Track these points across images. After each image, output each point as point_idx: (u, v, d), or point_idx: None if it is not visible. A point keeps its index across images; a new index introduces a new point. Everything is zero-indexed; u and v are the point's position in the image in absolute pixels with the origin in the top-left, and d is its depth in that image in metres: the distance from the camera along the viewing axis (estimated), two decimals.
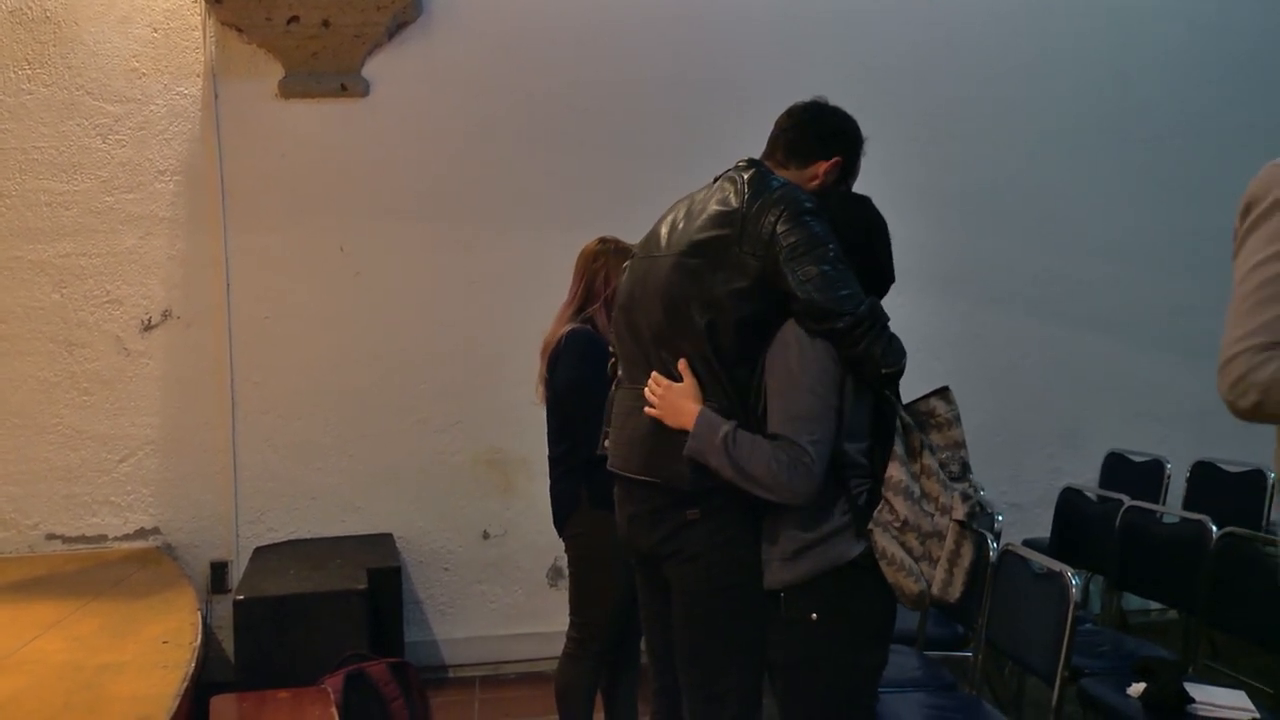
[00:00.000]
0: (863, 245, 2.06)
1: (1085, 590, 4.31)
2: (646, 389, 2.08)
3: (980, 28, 4.81)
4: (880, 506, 1.98)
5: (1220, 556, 3.16)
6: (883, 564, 1.96)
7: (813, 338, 1.95)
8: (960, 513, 1.99)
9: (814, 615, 1.98)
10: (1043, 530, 4.25)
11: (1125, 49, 4.93)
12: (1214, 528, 3.21)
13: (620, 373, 2.29)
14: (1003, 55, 4.84)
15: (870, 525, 1.97)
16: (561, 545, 3.10)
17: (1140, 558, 3.51)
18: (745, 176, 2.09)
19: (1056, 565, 2.74)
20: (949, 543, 1.98)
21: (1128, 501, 3.62)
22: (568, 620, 3.12)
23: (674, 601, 2.12)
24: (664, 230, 2.20)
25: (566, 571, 3.17)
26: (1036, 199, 4.88)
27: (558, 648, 3.16)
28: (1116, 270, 4.94)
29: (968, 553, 1.98)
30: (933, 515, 1.99)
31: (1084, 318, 4.92)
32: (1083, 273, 4.92)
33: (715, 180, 2.18)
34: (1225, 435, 4.84)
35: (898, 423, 2.02)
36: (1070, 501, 4.01)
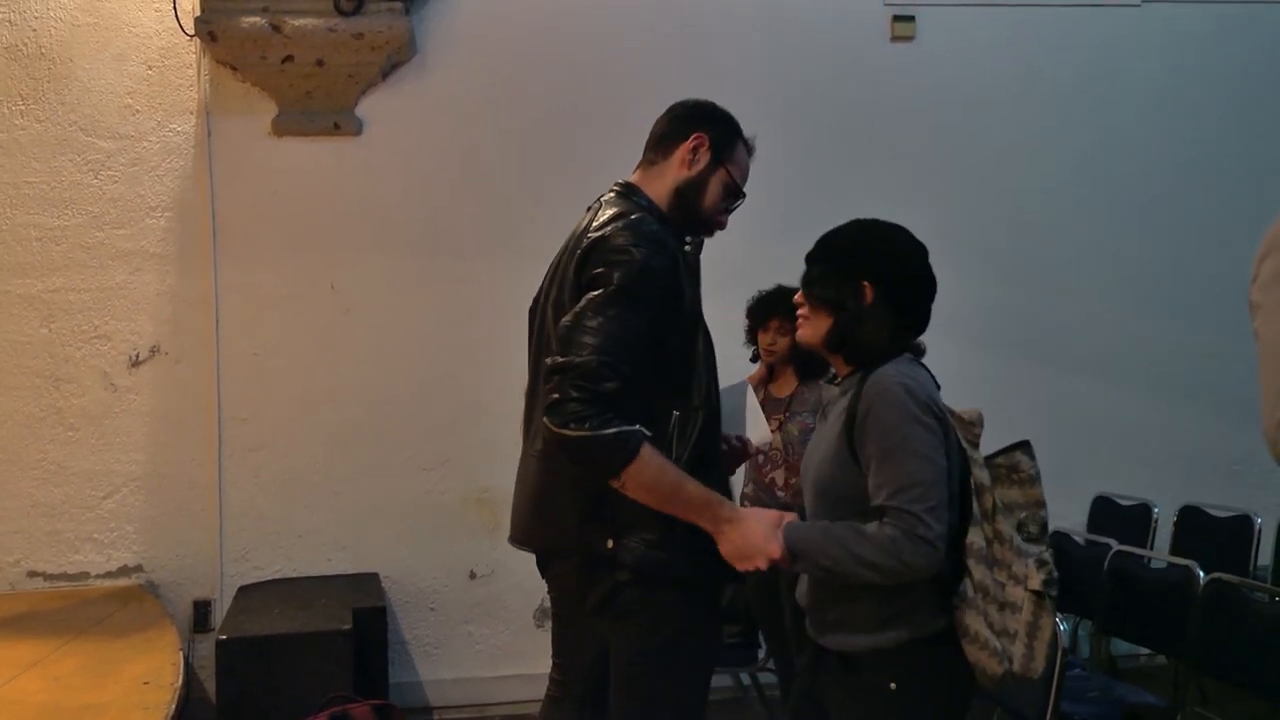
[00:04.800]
0: (924, 274, 1.99)
1: (1074, 635, 4.30)
2: None
3: (965, 68, 4.88)
4: (963, 580, 1.85)
5: (1208, 602, 3.16)
6: (965, 642, 1.82)
7: (904, 395, 1.82)
8: (1036, 582, 1.83)
9: (892, 685, 1.84)
10: None
11: (1111, 92, 4.99)
12: (1201, 573, 3.21)
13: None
14: (988, 95, 4.90)
15: (957, 601, 1.84)
16: None
17: (1128, 602, 3.51)
18: (598, 216, 2.03)
19: None
20: (1025, 614, 1.83)
21: (1115, 546, 3.63)
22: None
23: (610, 661, 2.05)
24: (547, 276, 2.17)
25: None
26: (1024, 241, 4.92)
27: (544, 690, 3.12)
28: (1103, 312, 4.97)
29: (1047, 625, 1.82)
30: (1004, 585, 1.85)
31: (1072, 360, 4.94)
32: (1070, 314, 4.95)
33: (588, 210, 2.13)
34: (1212, 479, 4.90)
35: (971, 483, 1.89)
36: (1058, 545, 4.00)
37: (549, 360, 1.85)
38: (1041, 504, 1.94)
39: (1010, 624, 1.84)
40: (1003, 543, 1.87)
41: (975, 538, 1.85)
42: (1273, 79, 5.09)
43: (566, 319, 1.87)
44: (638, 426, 1.79)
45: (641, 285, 1.87)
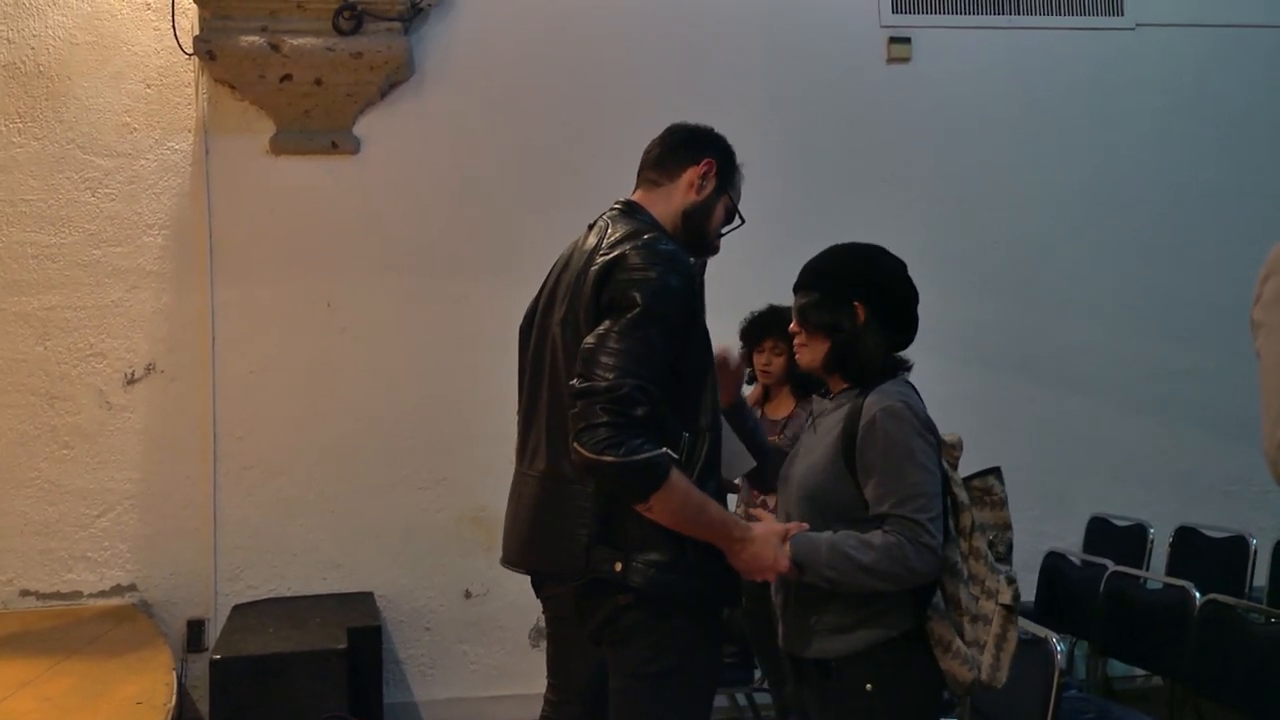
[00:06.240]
0: (908, 288, 2.08)
1: (1070, 656, 4.29)
2: None
3: (961, 89, 4.90)
4: (936, 591, 1.93)
5: (1204, 623, 3.15)
6: (938, 650, 1.91)
7: (909, 412, 1.91)
8: (1006, 597, 1.93)
9: (869, 686, 1.91)
10: (1027, 594, 4.24)
11: (1107, 114, 5.02)
12: (1197, 594, 3.21)
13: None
14: (984, 115, 4.92)
15: (930, 612, 1.92)
16: None
17: (1124, 623, 3.50)
18: (608, 233, 2.00)
19: (1041, 631, 2.73)
20: (995, 627, 1.92)
21: (1111, 566, 3.62)
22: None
23: (610, 685, 2.02)
24: (545, 294, 2.14)
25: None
26: (1021, 261, 4.93)
27: (539, 710, 3.11)
28: (1100, 333, 4.97)
29: (1013, 637, 1.92)
30: (977, 599, 1.94)
31: (1068, 380, 4.94)
32: (1066, 335, 4.95)
33: (590, 227, 2.11)
34: (1208, 500, 4.90)
35: (949, 501, 1.96)
36: (1054, 566, 4.01)
37: (574, 383, 1.82)
38: (1009, 526, 2.04)
39: (980, 635, 1.93)
40: (978, 559, 1.96)
41: (951, 553, 1.93)
42: (1267, 100, 5.12)
43: (590, 339, 1.84)
44: (665, 450, 1.79)
45: (663, 305, 1.85)
